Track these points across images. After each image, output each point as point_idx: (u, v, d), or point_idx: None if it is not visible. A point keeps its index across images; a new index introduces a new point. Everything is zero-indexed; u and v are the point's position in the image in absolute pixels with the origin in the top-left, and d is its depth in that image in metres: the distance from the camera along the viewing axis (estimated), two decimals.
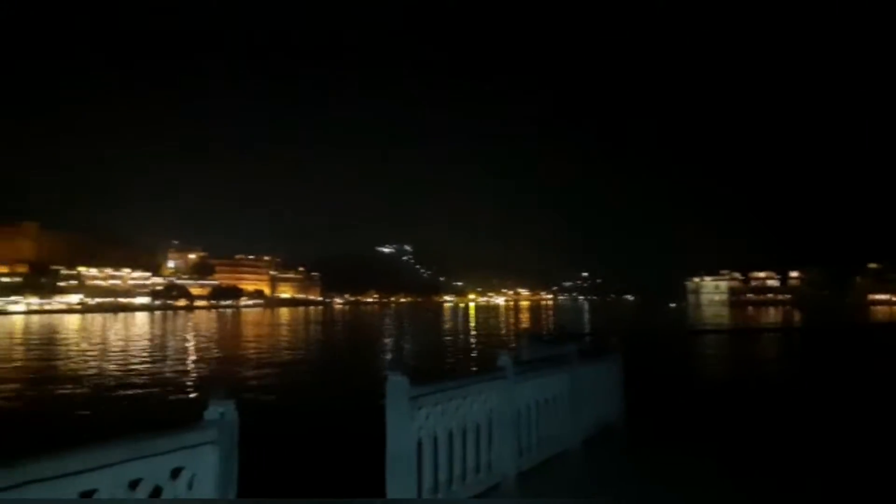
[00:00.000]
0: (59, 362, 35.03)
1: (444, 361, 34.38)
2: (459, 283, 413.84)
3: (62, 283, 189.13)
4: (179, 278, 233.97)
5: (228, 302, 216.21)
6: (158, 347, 45.89)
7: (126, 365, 32.51)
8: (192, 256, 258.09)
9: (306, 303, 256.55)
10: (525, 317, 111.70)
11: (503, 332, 65.72)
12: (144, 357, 37.84)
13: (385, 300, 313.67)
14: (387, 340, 55.42)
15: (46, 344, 50.57)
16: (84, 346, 48.46)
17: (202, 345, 48.72)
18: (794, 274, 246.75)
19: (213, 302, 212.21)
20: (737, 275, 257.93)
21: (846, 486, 6.62)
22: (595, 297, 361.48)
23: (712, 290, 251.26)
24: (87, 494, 2.89)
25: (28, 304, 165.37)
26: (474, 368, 29.00)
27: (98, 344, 49.89)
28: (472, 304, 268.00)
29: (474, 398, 6.12)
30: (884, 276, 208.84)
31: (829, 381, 18.08)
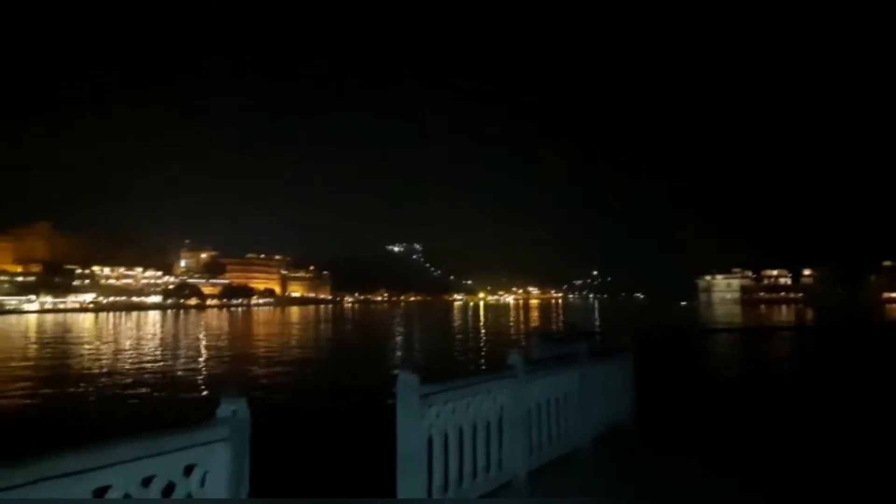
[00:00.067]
0: (73, 360, 35.38)
1: (453, 360, 34.39)
2: (469, 282, 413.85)
3: (76, 283, 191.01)
4: (191, 277, 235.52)
5: (239, 301, 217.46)
6: (170, 346, 46.24)
7: (138, 363, 32.78)
8: (203, 256, 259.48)
9: (317, 301, 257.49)
10: (535, 315, 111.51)
11: (513, 330, 65.64)
12: (156, 355, 38.15)
13: (395, 299, 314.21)
14: (396, 339, 55.53)
15: (60, 343, 51.09)
16: (97, 344, 48.92)
17: (213, 343, 49.03)
18: (806, 272, 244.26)
19: (224, 301, 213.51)
20: (749, 273, 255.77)
21: (858, 486, 6.56)
22: (605, 296, 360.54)
23: (724, 289, 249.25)
24: (102, 491, 2.93)
25: (42, 303, 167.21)
26: (484, 367, 28.98)
27: (110, 342, 50.36)
28: (481, 303, 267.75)
29: (484, 396, 6.12)
30: None
31: (841, 380, 17.91)
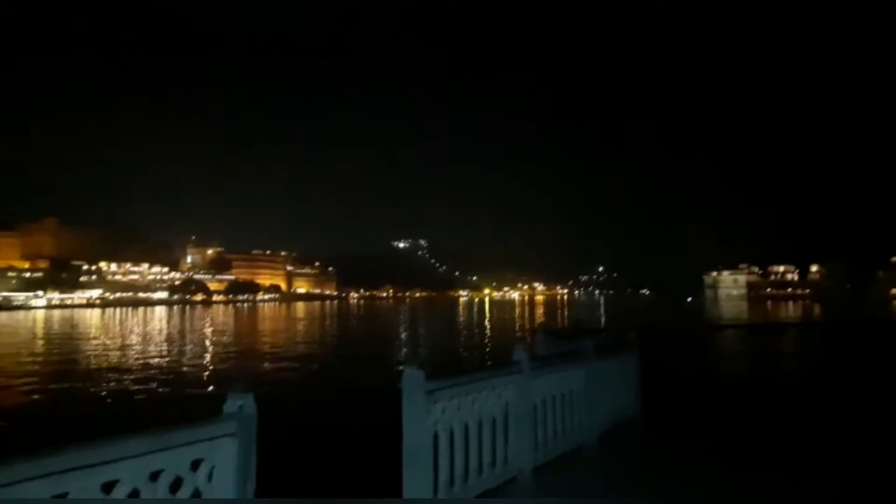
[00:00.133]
0: (79, 356, 35.59)
1: (458, 356, 34.42)
2: (474, 278, 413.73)
3: (83, 279, 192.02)
4: (197, 273, 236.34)
5: (245, 297, 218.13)
6: (176, 341, 46.45)
7: (145, 359, 32.94)
8: (209, 252, 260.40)
9: (322, 297, 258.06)
10: (540, 312, 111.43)
11: (518, 326, 65.63)
12: (163, 351, 38.33)
13: (400, 295, 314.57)
14: (401, 335, 55.61)
15: (67, 338, 51.39)
16: (104, 340, 49.18)
17: (219, 339, 49.23)
18: (813, 268, 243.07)
19: (230, 296, 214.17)
20: (755, 269, 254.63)
21: (862, 484, 6.54)
22: (611, 292, 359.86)
23: (730, 285, 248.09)
24: (110, 485, 2.96)
25: (49, 298, 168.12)
26: (489, 363, 29.01)
27: (117, 338, 50.61)
28: (487, 299, 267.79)
29: (490, 392, 6.13)
30: None
31: (848, 377, 17.84)
